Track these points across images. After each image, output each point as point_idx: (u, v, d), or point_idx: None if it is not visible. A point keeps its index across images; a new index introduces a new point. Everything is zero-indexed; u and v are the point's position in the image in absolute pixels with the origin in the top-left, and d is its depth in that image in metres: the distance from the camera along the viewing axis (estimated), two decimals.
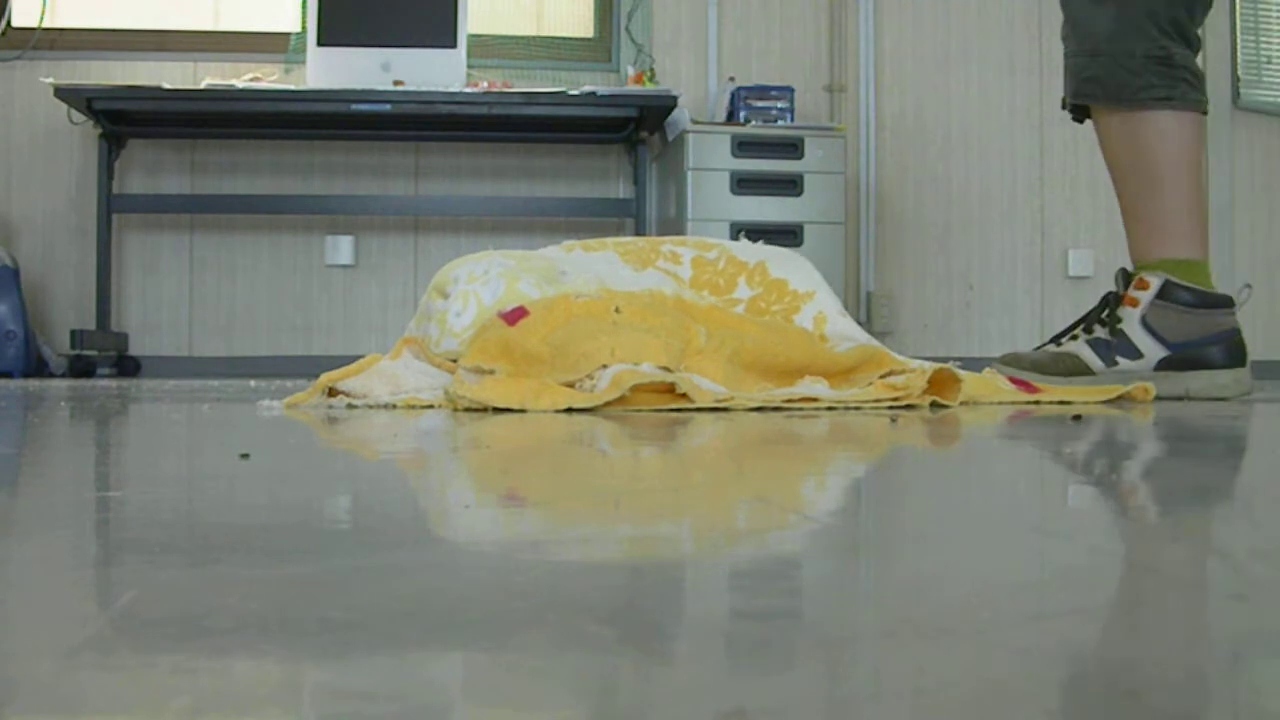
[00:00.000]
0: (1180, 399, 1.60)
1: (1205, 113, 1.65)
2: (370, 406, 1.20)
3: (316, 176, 3.92)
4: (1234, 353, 1.63)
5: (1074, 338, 1.67)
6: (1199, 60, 1.66)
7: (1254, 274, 3.67)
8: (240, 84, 3.62)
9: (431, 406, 1.21)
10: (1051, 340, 1.70)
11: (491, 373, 1.19)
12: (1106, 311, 1.65)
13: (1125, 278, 1.66)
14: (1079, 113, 1.74)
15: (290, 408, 1.20)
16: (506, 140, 3.85)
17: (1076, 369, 1.63)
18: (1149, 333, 1.61)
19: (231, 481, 0.57)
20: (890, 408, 1.28)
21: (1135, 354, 1.62)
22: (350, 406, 1.20)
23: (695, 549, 0.40)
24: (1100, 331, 1.64)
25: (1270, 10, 4.23)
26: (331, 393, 1.25)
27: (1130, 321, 1.62)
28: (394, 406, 1.20)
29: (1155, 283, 1.60)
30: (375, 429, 0.93)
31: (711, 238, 1.51)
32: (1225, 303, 1.62)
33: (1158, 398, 1.61)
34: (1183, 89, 1.62)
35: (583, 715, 0.21)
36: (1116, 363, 1.63)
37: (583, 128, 3.77)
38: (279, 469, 0.66)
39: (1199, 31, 1.66)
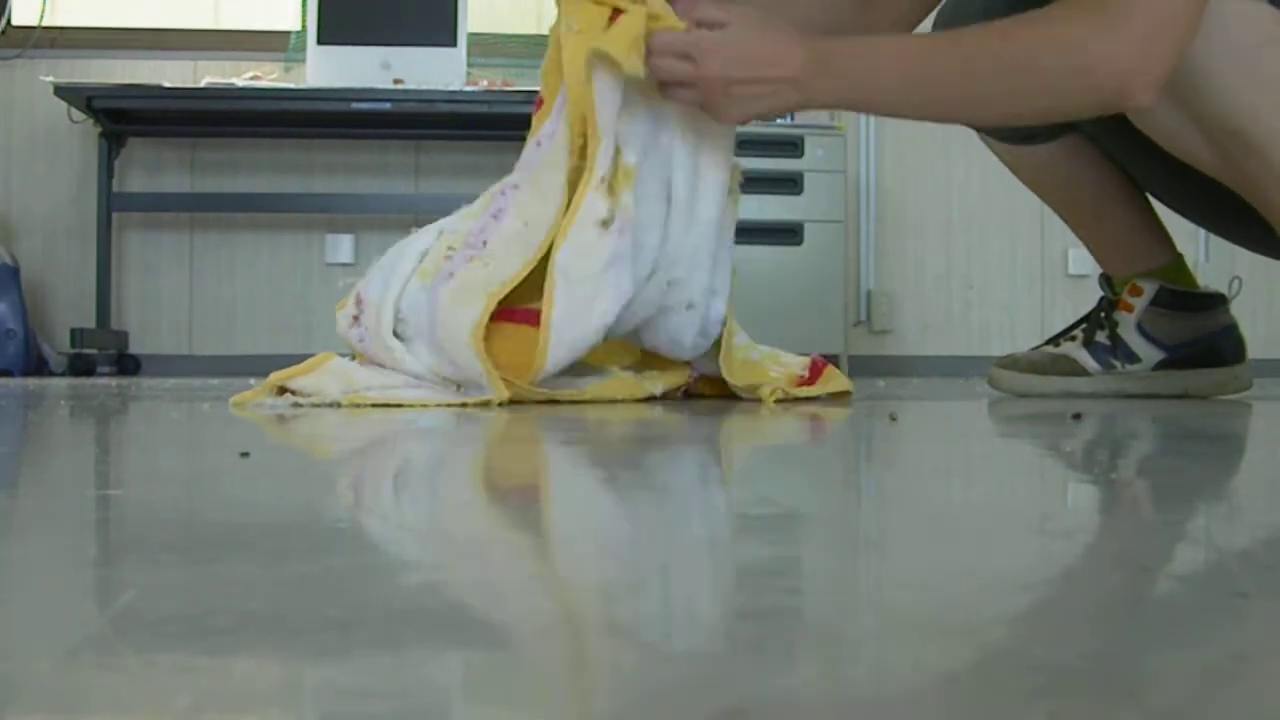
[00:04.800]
0: (1179, 397, 1.60)
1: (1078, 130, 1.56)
2: (316, 405, 1.18)
3: (316, 175, 3.92)
4: (1232, 349, 1.63)
5: (1072, 339, 1.67)
6: None
7: (1252, 271, 3.67)
8: (240, 82, 3.62)
9: (388, 406, 1.19)
10: (1049, 341, 1.70)
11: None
12: (1103, 315, 1.65)
13: (1110, 282, 1.66)
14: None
15: (237, 406, 1.19)
16: (507, 139, 3.84)
17: (1073, 371, 1.64)
18: (1145, 337, 1.61)
19: (231, 480, 0.57)
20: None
21: (1133, 358, 1.62)
22: (296, 405, 1.19)
23: (693, 548, 0.40)
24: (1100, 336, 1.64)
25: None
26: (281, 391, 1.24)
27: (1126, 327, 1.62)
28: (339, 405, 1.18)
29: (1150, 289, 1.60)
30: (372, 427, 0.93)
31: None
32: (1220, 301, 1.62)
33: (1156, 396, 1.61)
34: (1041, 127, 1.54)
35: (583, 715, 0.21)
36: (1114, 366, 1.63)
37: None
38: (279, 467, 0.66)
39: None
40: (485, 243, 1.26)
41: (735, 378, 1.38)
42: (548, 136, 1.29)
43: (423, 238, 1.33)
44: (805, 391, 1.43)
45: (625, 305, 1.26)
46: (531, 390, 1.25)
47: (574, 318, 1.24)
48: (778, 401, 1.35)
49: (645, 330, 1.35)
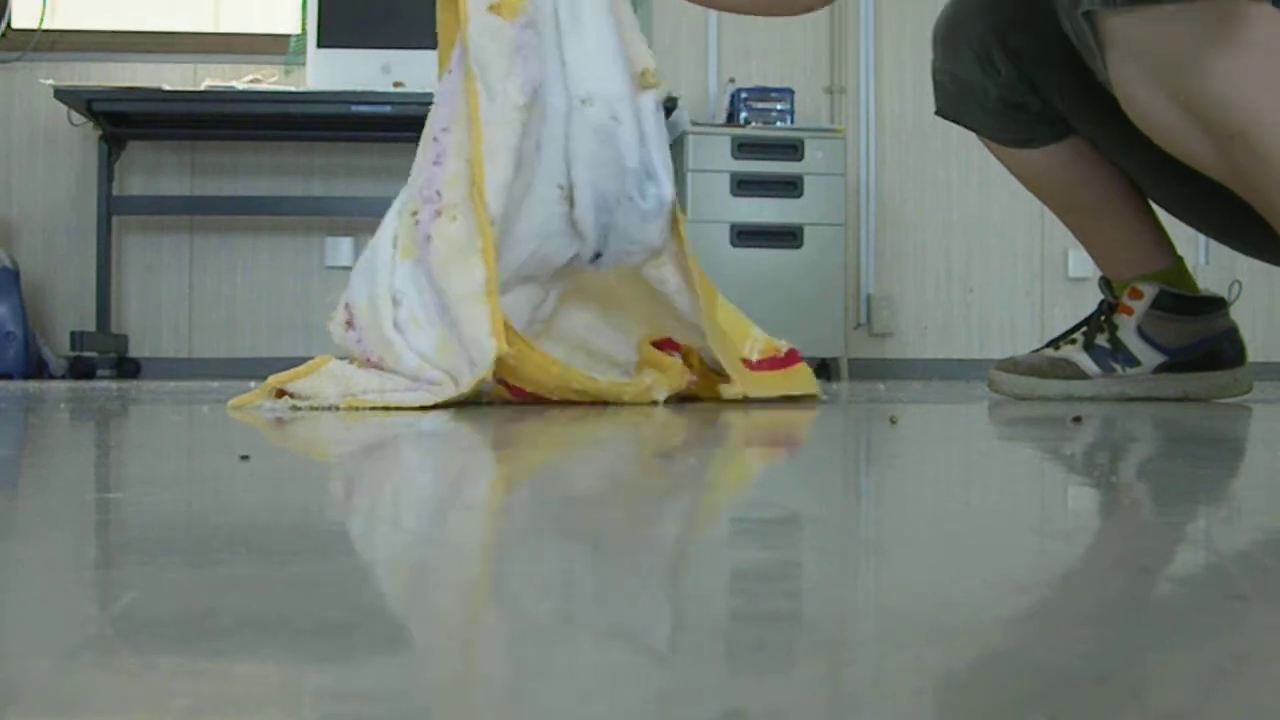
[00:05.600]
0: (1179, 400, 1.60)
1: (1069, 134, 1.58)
2: (315, 408, 1.18)
3: (316, 178, 3.92)
4: (1232, 353, 1.63)
5: (1072, 342, 1.67)
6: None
7: (1252, 275, 3.67)
8: (240, 85, 3.63)
9: (386, 408, 1.19)
10: (1049, 344, 1.70)
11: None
12: (1103, 318, 1.65)
13: (1109, 286, 1.66)
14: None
15: (235, 410, 1.19)
16: None
17: (1073, 374, 1.64)
18: (1145, 341, 1.61)
19: (231, 482, 0.57)
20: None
21: (1133, 361, 1.62)
22: (294, 408, 1.19)
23: (693, 550, 0.40)
24: (1100, 339, 1.64)
25: None
26: (279, 394, 1.24)
27: (1126, 330, 1.62)
28: (337, 408, 1.18)
29: (1150, 292, 1.60)
30: (370, 431, 0.93)
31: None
32: (1220, 304, 1.62)
33: (1157, 399, 1.61)
34: (1043, 131, 1.57)
35: (582, 716, 0.21)
36: (1114, 369, 1.62)
37: None
38: (279, 470, 0.66)
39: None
40: (439, 193, 1.30)
41: (712, 340, 1.39)
42: (456, 63, 1.34)
43: (387, 227, 1.35)
44: (767, 390, 1.43)
45: (538, 101, 1.29)
46: (546, 361, 1.27)
47: (499, 121, 1.27)
48: (734, 398, 1.37)
49: (600, 183, 1.35)
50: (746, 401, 1.40)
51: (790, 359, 1.51)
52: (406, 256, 1.29)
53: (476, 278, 1.23)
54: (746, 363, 1.48)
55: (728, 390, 1.40)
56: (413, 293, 1.27)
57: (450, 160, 1.31)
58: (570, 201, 1.32)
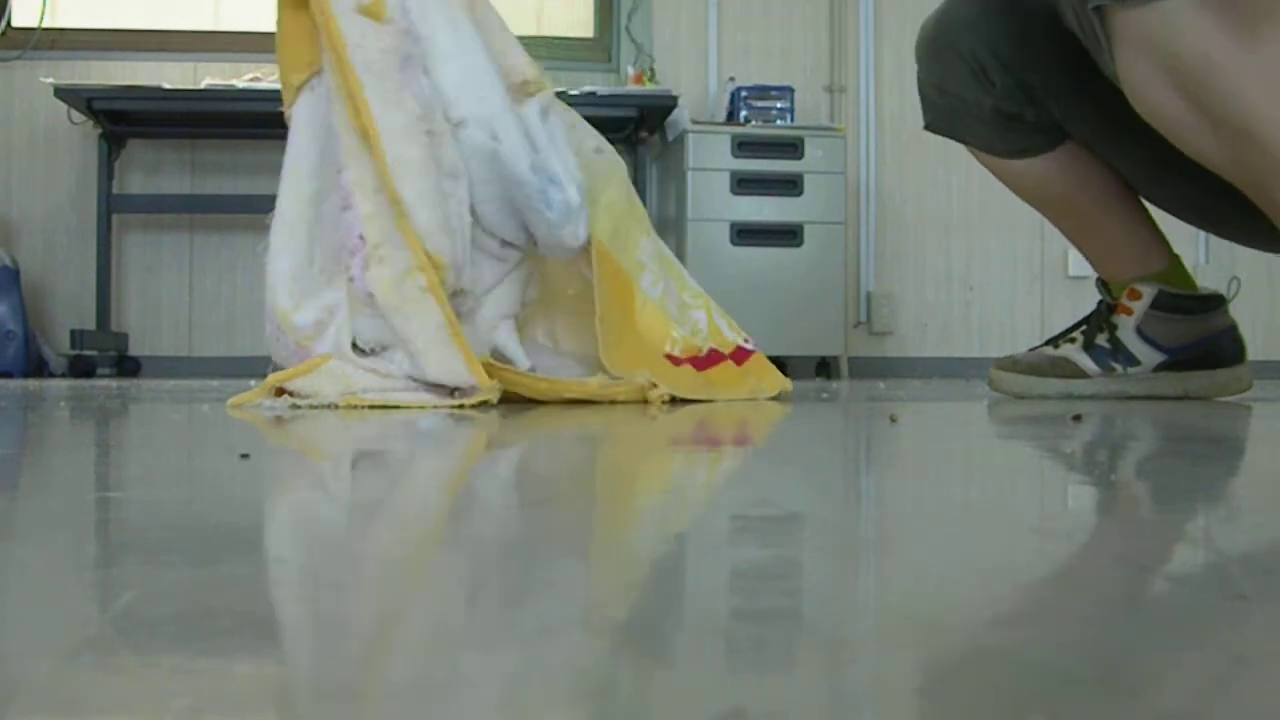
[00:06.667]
0: (1179, 399, 1.60)
1: (1064, 140, 1.56)
2: (314, 407, 1.19)
3: None
4: (1232, 350, 1.63)
5: (1071, 341, 1.67)
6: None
7: (1252, 273, 3.67)
8: (240, 84, 3.62)
9: (385, 407, 1.20)
10: (1047, 342, 1.70)
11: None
12: (1103, 318, 1.65)
13: (1107, 287, 1.66)
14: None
15: (235, 408, 1.19)
16: None
17: (1073, 373, 1.63)
18: (1145, 340, 1.61)
19: (232, 481, 0.57)
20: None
21: (1133, 361, 1.62)
22: (294, 407, 1.19)
23: (693, 549, 0.40)
24: (1100, 339, 1.64)
25: None
26: (279, 392, 1.24)
27: (1126, 330, 1.62)
28: (336, 407, 1.19)
29: (1148, 293, 1.60)
30: (369, 430, 0.93)
31: None
32: (1218, 302, 1.62)
33: (1157, 398, 1.61)
34: (1038, 140, 1.57)
35: (583, 716, 0.21)
36: (1114, 369, 1.62)
37: None
38: (279, 469, 0.66)
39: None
40: (361, 237, 1.25)
41: (610, 340, 1.36)
42: (335, 91, 1.29)
43: (319, 297, 1.30)
44: (686, 390, 1.40)
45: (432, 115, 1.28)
46: (533, 380, 1.28)
47: (402, 132, 1.25)
48: (664, 402, 1.34)
49: (494, 207, 1.34)
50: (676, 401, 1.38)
51: (711, 359, 1.49)
52: (356, 314, 1.26)
53: (434, 319, 1.21)
54: (670, 358, 1.45)
55: (653, 392, 1.35)
56: (380, 337, 1.26)
57: (359, 200, 1.25)
58: (475, 217, 1.32)
